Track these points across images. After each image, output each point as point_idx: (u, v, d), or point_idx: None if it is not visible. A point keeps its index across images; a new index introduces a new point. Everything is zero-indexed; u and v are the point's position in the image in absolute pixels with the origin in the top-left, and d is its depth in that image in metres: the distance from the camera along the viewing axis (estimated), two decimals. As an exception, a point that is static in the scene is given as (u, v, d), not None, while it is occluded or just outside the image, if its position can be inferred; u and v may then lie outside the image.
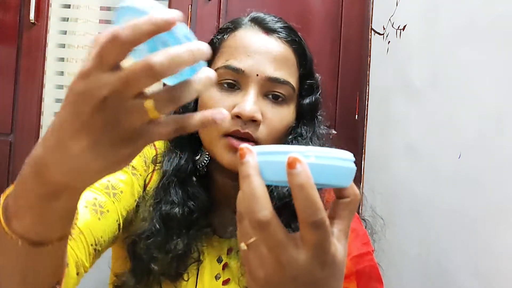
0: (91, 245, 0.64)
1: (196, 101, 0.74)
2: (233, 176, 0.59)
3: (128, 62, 0.36)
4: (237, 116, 0.66)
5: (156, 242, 0.69)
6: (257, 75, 0.68)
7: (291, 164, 0.35)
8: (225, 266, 0.74)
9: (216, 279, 0.73)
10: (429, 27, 1.07)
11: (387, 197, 1.24)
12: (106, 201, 0.69)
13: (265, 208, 0.36)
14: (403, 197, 1.15)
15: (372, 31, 1.45)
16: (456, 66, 0.94)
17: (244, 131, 0.67)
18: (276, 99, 0.70)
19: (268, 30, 0.72)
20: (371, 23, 1.47)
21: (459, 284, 0.87)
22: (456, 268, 0.89)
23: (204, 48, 0.35)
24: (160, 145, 0.78)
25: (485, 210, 0.82)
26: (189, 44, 0.35)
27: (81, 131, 0.35)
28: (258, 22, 0.73)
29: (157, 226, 0.70)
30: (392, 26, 1.29)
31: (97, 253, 0.66)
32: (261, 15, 0.75)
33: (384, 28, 1.35)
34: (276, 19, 0.74)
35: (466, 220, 0.87)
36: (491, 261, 0.79)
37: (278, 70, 0.69)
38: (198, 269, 0.72)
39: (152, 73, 0.33)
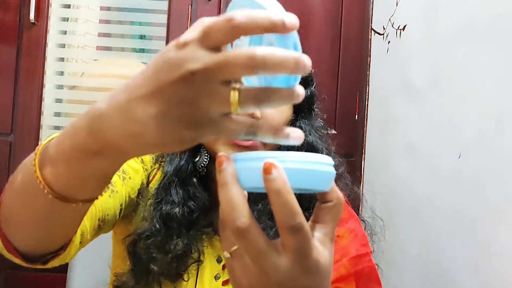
0: (98, 219, 0.65)
1: None
2: None
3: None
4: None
5: (156, 242, 0.70)
6: None
7: (266, 170, 0.35)
8: (225, 266, 0.74)
9: (216, 279, 0.73)
10: (429, 27, 1.07)
11: (387, 197, 1.24)
12: (117, 182, 0.71)
13: (243, 216, 0.36)
14: (403, 197, 1.15)
15: (372, 31, 1.45)
16: (456, 66, 0.94)
17: None
18: None
19: None
20: (371, 23, 1.46)
21: (459, 284, 0.87)
22: (456, 268, 0.89)
23: (309, 62, 0.34)
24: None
25: (485, 210, 0.81)
26: (296, 53, 0.33)
27: (154, 98, 0.34)
28: None
29: (157, 226, 0.71)
30: (392, 26, 1.29)
31: (99, 229, 0.67)
32: None
33: (384, 28, 1.35)
34: None
35: (466, 220, 0.87)
36: (491, 261, 0.79)
37: None
38: (198, 269, 0.73)
39: (253, 63, 0.32)
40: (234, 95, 0.34)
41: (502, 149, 0.78)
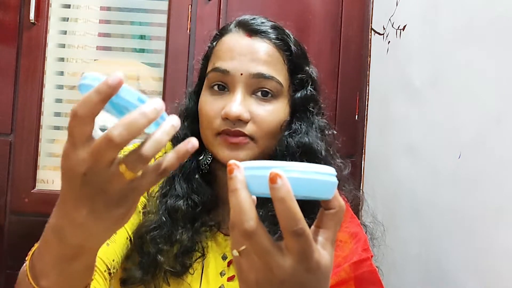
0: (105, 271, 0.67)
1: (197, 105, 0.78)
2: None
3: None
4: (226, 117, 0.70)
5: (162, 234, 0.72)
6: (241, 74, 0.72)
7: (272, 179, 0.38)
8: (230, 263, 0.75)
9: (221, 275, 0.75)
10: (429, 27, 1.07)
11: (387, 197, 1.24)
12: None
13: (250, 219, 0.39)
14: (403, 197, 1.15)
15: (372, 31, 1.45)
16: (456, 66, 0.94)
17: (234, 129, 0.70)
18: (265, 96, 0.73)
19: (252, 31, 0.75)
20: (371, 23, 1.47)
21: (459, 284, 0.87)
22: (456, 268, 0.89)
23: (157, 105, 0.39)
24: (168, 147, 0.80)
25: (485, 210, 0.82)
26: (142, 107, 0.38)
27: (78, 202, 0.41)
28: (243, 26, 0.76)
29: (163, 218, 0.73)
30: (392, 26, 1.29)
31: (113, 275, 0.69)
32: (246, 18, 0.78)
33: (384, 28, 1.35)
34: (261, 21, 0.77)
35: (466, 220, 0.87)
36: (491, 261, 0.79)
37: (261, 66, 0.72)
38: (202, 265, 0.74)
39: (114, 144, 0.37)
40: (122, 168, 0.39)
41: (502, 149, 0.78)
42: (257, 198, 0.43)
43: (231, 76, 0.72)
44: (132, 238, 0.74)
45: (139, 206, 0.77)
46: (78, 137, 0.39)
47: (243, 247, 0.40)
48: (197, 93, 0.79)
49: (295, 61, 0.77)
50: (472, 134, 0.87)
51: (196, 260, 0.73)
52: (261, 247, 0.39)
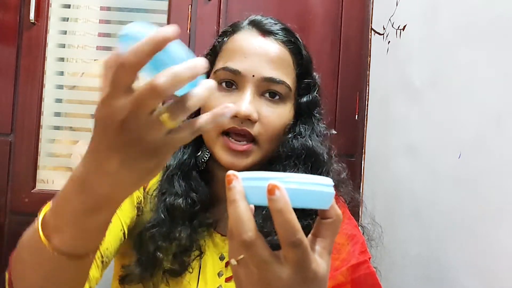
0: (98, 258, 0.67)
1: None
2: None
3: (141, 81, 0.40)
4: (235, 115, 0.70)
5: (161, 231, 0.72)
6: (253, 76, 0.71)
7: (270, 191, 0.38)
8: (227, 264, 0.75)
9: (219, 276, 0.74)
10: (429, 27, 1.07)
11: (387, 197, 1.24)
12: None
13: (249, 230, 0.39)
14: (403, 197, 1.15)
15: (372, 31, 1.45)
16: (456, 66, 0.94)
17: (241, 127, 0.70)
18: (273, 98, 0.73)
19: (265, 32, 0.75)
20: (371, 23, 1.47)
21: (459, 284, 0.87)
22: (456, 267, 0.89)
23: (202, 63, 0.39)
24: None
25: (485, 210, 0.82)
26: (188, 62, 0.39)
27: (111, 151, 0.40)
28: (256, 25, 0.76)
29: (162, 216, 0.73)
30: (392, 26, 1.29)
31: (105, 264, 0.69)
32: (259, 17, 0.78)
33: (384, 28, 1.35)
34: (273, 21, 0.77)
35: (466, 220, 0.87)
36: (491, 261, 0.79)
37: (273, 70, 0.72)
38: (200, 263, 0.74)
39: (158, 93, 0.37)
40: (163, 117, 0.39)
41: (502, 149, 0.78)
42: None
43: (242, 77, 0.72)
44: (126, 232, 0.74)
45: (135, 201, 0.78)
46: (121, 86, 0.38)
47: (241, 256, 0.41)
48: None
49: (304, 65, 0.78)
50: (472, 134, 0.87)
51: (194, 259, 0.74)
52: (259, 257, 0.40)
